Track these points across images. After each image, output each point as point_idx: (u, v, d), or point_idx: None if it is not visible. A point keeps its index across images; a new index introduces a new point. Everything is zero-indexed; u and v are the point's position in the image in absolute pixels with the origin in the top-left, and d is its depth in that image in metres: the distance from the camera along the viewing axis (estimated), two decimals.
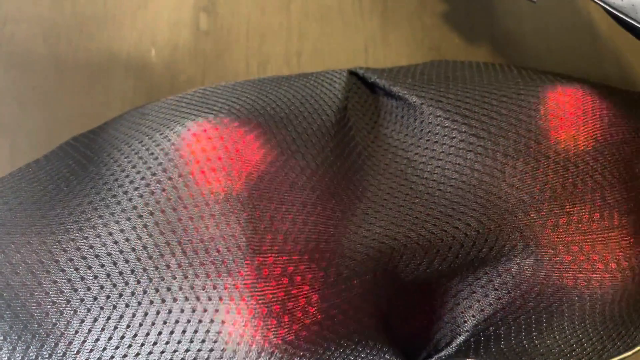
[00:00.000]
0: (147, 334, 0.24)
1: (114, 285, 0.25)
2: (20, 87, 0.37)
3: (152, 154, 0.27)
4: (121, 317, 0.25)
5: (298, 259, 0.25)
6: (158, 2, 0.40)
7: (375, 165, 0.29)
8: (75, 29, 0.39)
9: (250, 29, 0.40)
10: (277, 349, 0.24)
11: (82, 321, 0.25)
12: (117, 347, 0.25)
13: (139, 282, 0.25)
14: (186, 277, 0.24)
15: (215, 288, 0.24)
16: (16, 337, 0.25)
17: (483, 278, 0.28)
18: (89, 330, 0.25)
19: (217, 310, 0.24)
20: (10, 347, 0.25)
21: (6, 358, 0.25)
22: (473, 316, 0.28)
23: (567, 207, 0.27)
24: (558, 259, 0.27)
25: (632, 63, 0.40)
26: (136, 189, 0.26)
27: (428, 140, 0.29)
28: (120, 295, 0.25)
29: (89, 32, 0.39)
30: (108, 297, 0.25)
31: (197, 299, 0.24)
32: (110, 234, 0.25)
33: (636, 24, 0.28)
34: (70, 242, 0.26)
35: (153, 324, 0.24)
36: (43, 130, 0.37)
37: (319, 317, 0.24)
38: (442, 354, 0.28)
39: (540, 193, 0.27)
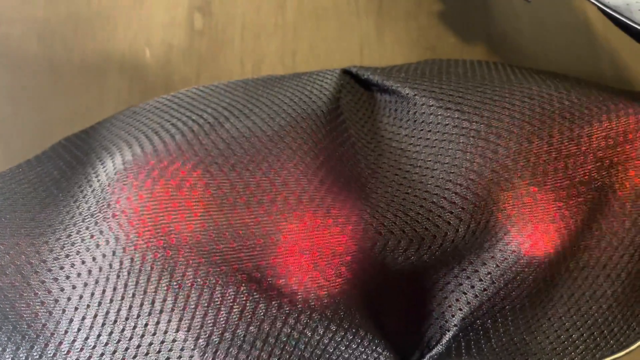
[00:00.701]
0: (134, 327, 0.25)
1: (97, 282, 0.25)
2: (14, 87, 0.37)
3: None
4: (107, 313, 0.25)
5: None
6: (152, 2, 0.40)
7: (368, 155, 0.29)
8: (69, 29, 0.39)
9: (245, 29, 0.40)
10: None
11: (71, 320, 0.25)
12: (106, 344, 0.25)
13: (118, 276, 0.25)
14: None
15: None
16: (5, 339, 0.25)
17: (468, 268, 0.28)
18: (78, 329, 0.25)
19: None
20: (0, 349, 0.24)
21: None
22: (460, 309, 0.28)
23: (553, 193, 0.27)
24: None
25: (627, 62, 0.40)
26: None
27: (422, 130, 0.29)
28: (103, 292, 0.25)
29: (83, 33, 0.39)
30: (92, 294, 0.25)
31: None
32: (92, 236, 0.26)
33: (631, 23, 0.28)
34: (57, 242, 0.26)
35: (138, 316, 0.24)
36: (36, 130, 0.37)
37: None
38: (434, 352, 0.28)
39: (531, 177, 0.27)
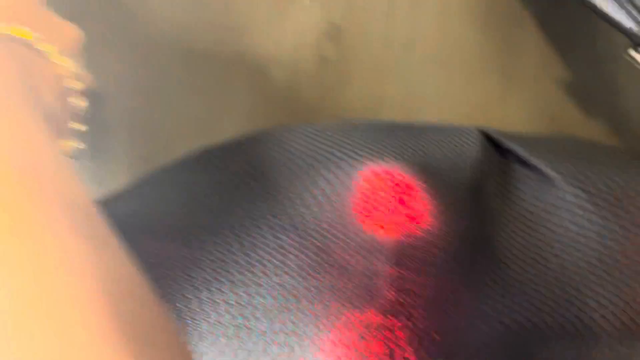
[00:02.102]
0: None
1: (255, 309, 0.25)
2: (147, 82, 0.38)
3: (303, 200, 0.27)
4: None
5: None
6: (289, 21, 0.40)
7: (501, 230, 0.28)
8: (209, 35, 0.39)
9: (372, 64, 0.40)
10: None
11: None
12: None
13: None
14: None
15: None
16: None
17: None
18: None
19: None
20: None
21: None
22: None
23: None
24: None
25: None
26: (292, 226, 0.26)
27: (564, 217, 0.28)
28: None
29: (221, 41, 0.39)
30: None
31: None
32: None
33: None
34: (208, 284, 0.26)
35: None
36: (159, 127, 0.37)
37: None
38: None
39: None
